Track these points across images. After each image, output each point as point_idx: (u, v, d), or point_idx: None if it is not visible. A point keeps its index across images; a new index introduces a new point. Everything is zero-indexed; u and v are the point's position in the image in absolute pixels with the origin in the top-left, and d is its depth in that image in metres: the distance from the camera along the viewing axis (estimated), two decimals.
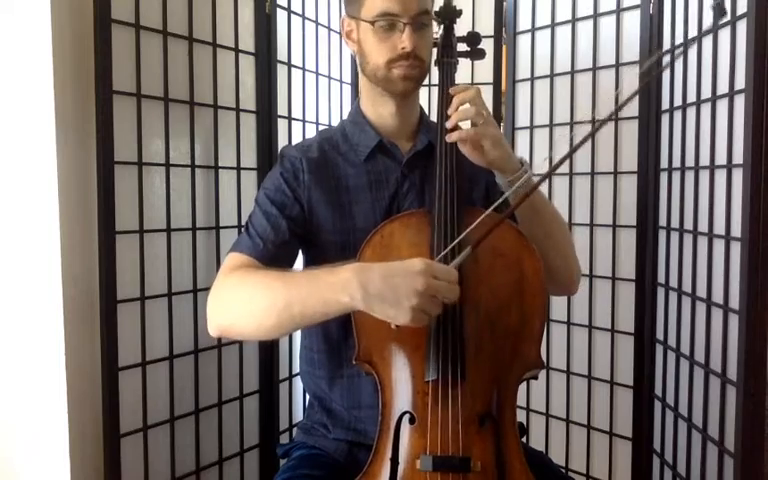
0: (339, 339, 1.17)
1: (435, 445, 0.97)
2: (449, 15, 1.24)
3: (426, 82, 1.26)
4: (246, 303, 1.05)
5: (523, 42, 1.93)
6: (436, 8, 1.21)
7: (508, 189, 1.08)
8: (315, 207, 1.16)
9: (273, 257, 1.11)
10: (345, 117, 1.30)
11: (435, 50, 1.23)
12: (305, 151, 1.20)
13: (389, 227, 1.08)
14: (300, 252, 1.21)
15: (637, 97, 1.70)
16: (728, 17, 1.27)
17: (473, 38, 1.28)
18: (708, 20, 1.36)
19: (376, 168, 1.19)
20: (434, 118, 1.19)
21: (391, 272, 0.92)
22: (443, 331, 0.99)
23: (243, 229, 1.17)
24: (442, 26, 1.24)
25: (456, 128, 1.09)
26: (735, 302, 1.34)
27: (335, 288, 0.95)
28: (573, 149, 1.19)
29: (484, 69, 1.91)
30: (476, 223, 0.96)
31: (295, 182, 1.17)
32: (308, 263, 1.21)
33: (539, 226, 1.14)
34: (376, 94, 1.19)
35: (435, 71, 1.24)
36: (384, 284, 0.91)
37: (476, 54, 1.30)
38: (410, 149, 1.20)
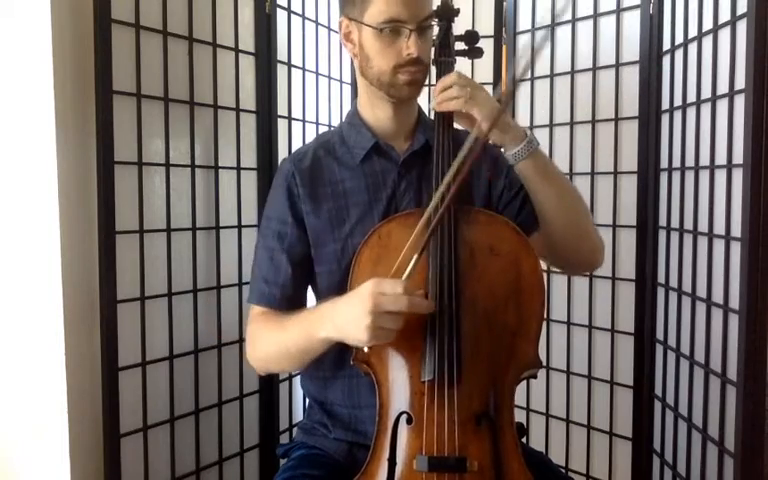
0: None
1: (431, 445, 0.97)
2: (447, 14, 1.23)
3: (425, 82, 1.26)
4: (264, 353, 1.18)
5: (523, 42, 1.93)
6: (434, 7, 1.21)
7: (512, 162, 1.09)
8: (312, 217, 1.16)
9: (281, 298, 1.17)
10: (344, 119, 1.29)
11: (433, 49, 1.23)
12: (298, 162, 1.20)
13: (387, 227, 1.08)
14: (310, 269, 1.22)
15: (637, 97, 1.70)
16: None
17: (471, 37, 1.28)
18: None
19: (373, 169, 1.19)
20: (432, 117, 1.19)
21: (348, 301, 0.98)
22: (440, 331, 0.99)
23: (251, 268, 1.22)
24: (440, 25, 1.23)
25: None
26: (735, 302, 1.34)
27: (314, 326, 1.04)
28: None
29: (484, 69, 1.91)
30: (453, 168, 0.97)
31: (291, 198, 1.18)
32: (313, 270, 1.21)
33: (551, 193, 1.12)
34: (375, 97, 1.18)
35: (434, 70, 1.24)
36: (345, 313, 0.97)
37: (474, 53, 1.29)
38: (407, 149, 1.20)
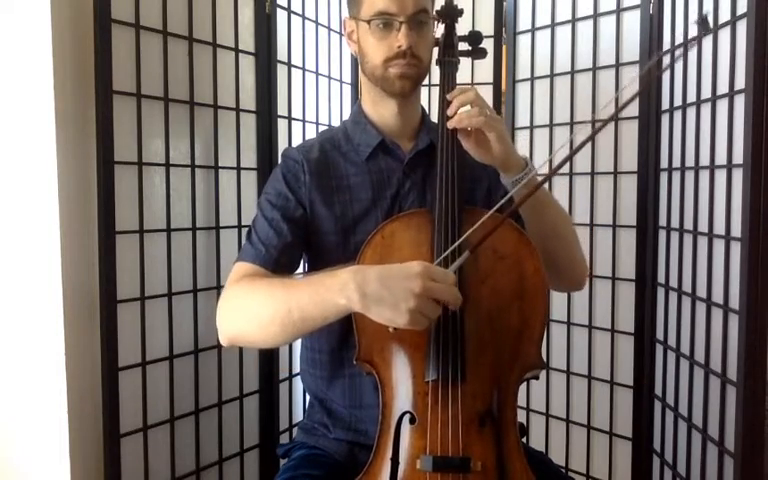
0: (340, 339, 1.16)
1: (435, 445, 0.97)
2: (450, 14, 1.24)
3: (426, 82, 1.26)
4: (251, 311, 1.04)
5: (523, 42, 1.93)
6: (437, 7, 1.21)
7: (512, 188, 1.08)
8: (316, 207, 1.16)
9: (276, 262, 1.11)
10: (346, 117, 1.30)
11: (436, 49, 1.23)
12: (306, 152, 1.20)
13: (390, 227, 1.08)
14: (303, 253, 1.21)
15: (637, 97, 1.70)
16: (711, 30, 1.28)
17: (475, 37, 1.28)
18: (694, 32, 1.36)
19: (378, 167, 1.19)
20: (435, 118, 1.19)
21: (388, 274, 0.91)
22: (443, 331, 0.99)
23: (246, 236, 1.17)
24: (443, 25, 1.24)
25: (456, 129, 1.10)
26: (735, 302, 1.34)
27: (332, 291, 0.94)
28: (575, 151, 1.19)
29: (484, 69, 1.91)
30: (478, 224, 0.95)
31: (296, 183, 1.17)
32: (310, 263, 1.21)
33: (544, 222, 1.14)
34: (377, 94, 1.19)
35: (436, 71, 1.24)
36: (381, 286, 0.90)
37: (478, 53, 1.30)
38: (412, 148, 1.20)
